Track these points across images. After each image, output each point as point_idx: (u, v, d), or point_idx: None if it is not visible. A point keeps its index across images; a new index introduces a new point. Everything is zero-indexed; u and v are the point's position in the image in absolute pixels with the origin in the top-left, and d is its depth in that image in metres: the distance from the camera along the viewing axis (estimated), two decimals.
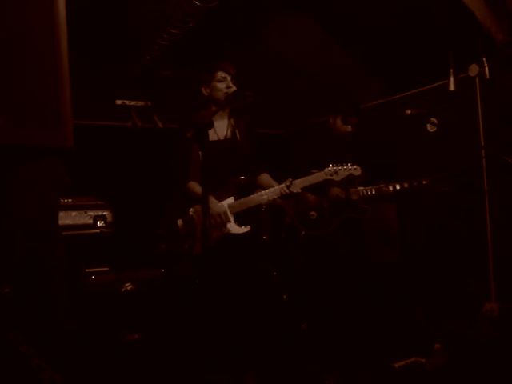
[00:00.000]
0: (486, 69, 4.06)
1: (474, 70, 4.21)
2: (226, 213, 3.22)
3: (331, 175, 3.19)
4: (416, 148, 4.72)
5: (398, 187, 4.07)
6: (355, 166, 3.22)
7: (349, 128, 4.31)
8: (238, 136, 3.40)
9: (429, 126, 4.36)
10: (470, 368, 3.31)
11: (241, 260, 3.28)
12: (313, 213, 4.22)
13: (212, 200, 3.18)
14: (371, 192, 4.12)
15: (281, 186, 3.20)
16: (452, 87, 4.33)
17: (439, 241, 4.63)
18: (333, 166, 3.20)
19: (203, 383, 3.27)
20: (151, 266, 4.46)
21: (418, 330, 4.28)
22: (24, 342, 1.94)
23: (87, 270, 4.22)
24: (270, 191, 3.23)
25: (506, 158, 3.58)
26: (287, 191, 3.16)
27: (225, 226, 3.22)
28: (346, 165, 3.21)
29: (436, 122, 4.20)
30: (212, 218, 3.17)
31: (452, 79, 4.32)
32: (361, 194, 4.14)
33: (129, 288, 4.24)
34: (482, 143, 4.28)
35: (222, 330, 3.18)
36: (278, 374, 3.57)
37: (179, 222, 3.35)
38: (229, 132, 3.40)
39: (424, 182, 4.00)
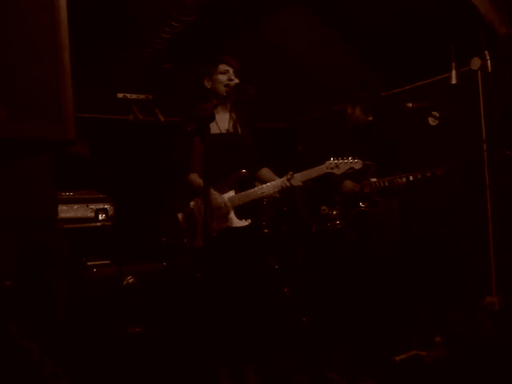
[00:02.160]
0: (488, 62, 4.05)
1: (476, 63, 4.20)
2: (226, 204, 3.22)
3: (332, 168, 3.19)
4: (418, 141, 4.71)
5: (411, 178, 4.04)
6: (356, 160, 3.22)
7: (370, 117, 4.29)
8: (240, 130, 3.40)
9: (430, 120, 4.36)
10: (470, 361, 3.32)
11: (242, 253, 3.29)
12: (324, 207, 4.21)
13: (213, 192, 3.18)
14: (384, 184, 4.09)
15: (282, 179, 3.20)
16: (454, 80, 4.32)
17: (440, 234, 4.63)
18: (333, 159, 3.20)
19: (204, 375, 3.29)
20: (152, 259, 4.47)
21: (418, 324, 4.29)
22: (26, 336, 1.94)
23: (89, 263, 4.23)
24: (271, 185, 3.23)
25: (508, 152, 3.57)
26: (288, 184, 3.16)
27: (227, 217, 3.22)
28: (347, 158, 3.21)
29: (438, 115, 4.19)
30: (215, 210, 3.17)
31: (454, 72, 4.31)
32: (374, 186, 4.12)
33: (130, 281, 4.25)
34: (484, 137, 4.27)
35: (222, 323, 3.19)
36: (278, 367, 3.59)
37: (180, 215, 3.35)
38: (230, 126, 3.40)
39: (438, 173, 3.97)
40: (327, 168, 3.20)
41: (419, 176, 4.03)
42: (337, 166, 3.19)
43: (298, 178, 3.19)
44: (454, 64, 4.31)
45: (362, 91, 4.39)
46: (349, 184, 4.15)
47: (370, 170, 4.09)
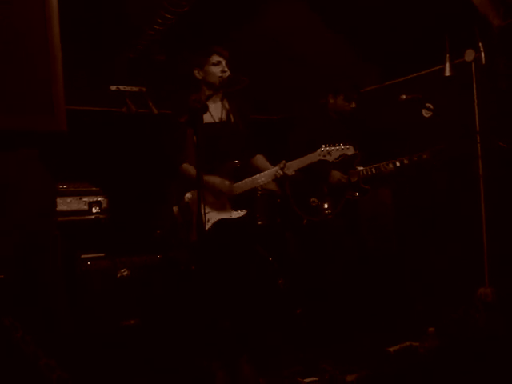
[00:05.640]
0: (482, 54, 4.06)
1: (470, 54, 4.21)
2: (229, 187, 3.20)
3: (324, 156, 3.20)
4: (411, 133, 4.72)
5: (398, 164, 4.07)
6: (348, 146, 3.22)
7: (353, 104, 4.30)
8: (233, 118, 3.39)
9: (424, 112, 4.36)
10: (463, 351, 3.34)
11: (236, 246, 3.28)
12: (314, 199, 4.21)
13: (213, 178, 3.17)
14: (371, 171, 4.12)
15: (275, 168, 3.20)
16: (448, 72, 4.33)
17: (434, 226, 4.64)
18: (325, 146, 3.21)
19: (198, 368, 3.29)
20: (147, 251, 4.46)
21: (412, 315, 4.31)
22: (20, 329, 1.94)
23: (83, 256, 4.22)
24: (265, 174, 3.23)
25: (501, 144, 3.59)
26: (281, 173, 3.17)
27: (223, 207, 3.22)
28: (339, 145, 3.21)
29: (431, 107, 4.20)
30: (216, 196, 3.17)
31: (448, 64, 4.32)
32: (361, 174, 4.14)
33: (124, 274, 4.24)
34: (478, 129, 4.28)
35: (217, 316, 3.20)
36: (273, 359, 3.59)
37: (175, 208, 3.35)
38: (223, 114, 3.39)
39: (424, 156, 4.01)
40: (319, 155, 3.21)
41: (406, 161, 4.05)
42: (329, 152, 3.20)
43: (292, 167, 3.19)
44: (448, 56, 4.32)
45: (341, 80, 4.41)
46: (336, 174, 4.17)
47: (357, 159, 4.11)
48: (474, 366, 3.12)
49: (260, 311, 3.41)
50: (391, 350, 3.51)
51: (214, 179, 3.20)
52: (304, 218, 4.27)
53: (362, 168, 4.16)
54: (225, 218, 3.22)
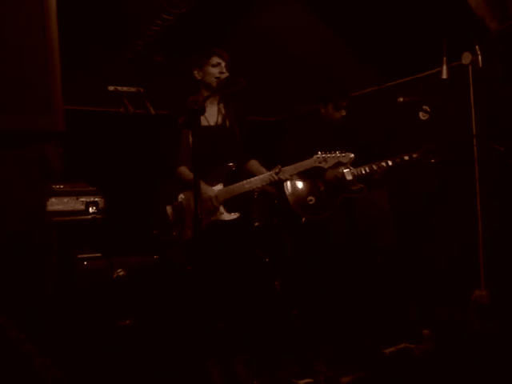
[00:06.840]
0: (479, 57, 4.07)
1: (467, 57, 4.22)
2: (216, 197, 3.22)
3: (320, 162, 3.20)
4: (408, 135, 4.72)
5: (390, 163, 4.14)
6: (344, 154, 3.23)
7: (343, 112, 4.35)
8: (228, 122, 3.40)
9: (421, 114, 4.37)
10: (459, 354, 3.35)
11: (232, 247, 3.29)
12: (311, 198, 4.23)
13: (202, 184, 3.17)
14: (365, 170, 4.18)
15: (270, 173, 3.21)
16: (445, 75, 4.34)
17: (431, 228, 4.65)
18: (322, 153, 3.21)
19: (193, 368, 3.29)
20: (143, 252, 4.46)
21: (407, 316, 4.32)
22: (14, 327, 1.94)
23: (79, 256, 4.22)
24: (259, 178, 3.24)
25: (497, 147, 3.60)
26: (276, 178, 3.17)
27: (216, 211, 3.23)
28: (335, 152, 3.22)
29: (428, 109, 4.21)
30: (203, 203, 3.16)
31: (445, 67, 4.33)
32: (356, 173, 4.19)
33: (120, 274, 4.25)
34: (474, 131, 4.29)
35: (213, 317, 3.20)
36: (268, 360, 3.60)
37: (168, 208, 3.36)
38: (219, 118, 3.40)
39: (414, 156, 4.08)
40: (315, 162, 3.21)
41: (397, 160, 4.11)
42: (325, 159, 3.20)
43: (287, 172, 3.20)
44: (445, 58, 4.33)
45: (329, 89, 4.45)
46: (332, 172, 4.19)
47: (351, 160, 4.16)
48: (470, 368, 3.12)
49: (255, 312, 3.41)
50: (387, 351, 3.51)
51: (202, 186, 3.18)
52: (303, 216, 4.27)
53: (354, 169, 4.20)
54: (217, 220, 3.22)
